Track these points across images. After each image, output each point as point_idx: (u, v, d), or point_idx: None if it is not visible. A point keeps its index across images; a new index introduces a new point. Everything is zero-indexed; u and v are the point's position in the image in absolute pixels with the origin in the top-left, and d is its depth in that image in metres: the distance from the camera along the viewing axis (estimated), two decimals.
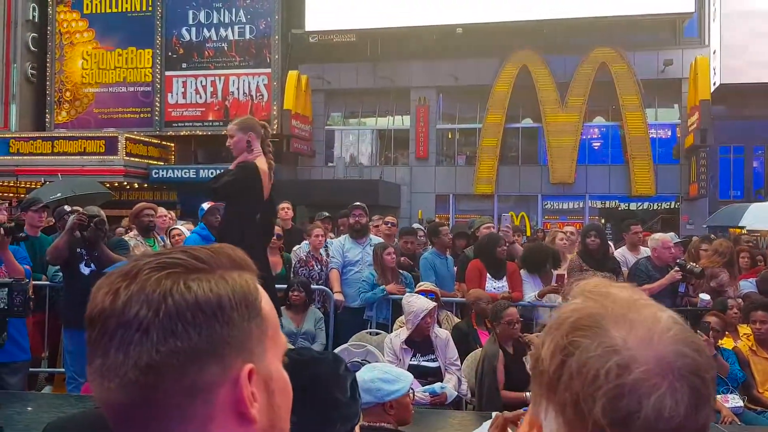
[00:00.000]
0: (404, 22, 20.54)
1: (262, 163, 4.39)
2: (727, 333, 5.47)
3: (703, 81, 18.46)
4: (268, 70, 21.36)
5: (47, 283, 6.60)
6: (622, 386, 0.69)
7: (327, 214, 9.36)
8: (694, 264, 6.03)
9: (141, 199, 12.72)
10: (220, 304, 0.76)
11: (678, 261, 6.08)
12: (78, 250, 5.78)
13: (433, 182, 21.21)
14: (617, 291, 0.79)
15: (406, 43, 21.09)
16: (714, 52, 19.53)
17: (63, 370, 6.02)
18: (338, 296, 7.00)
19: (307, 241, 7.57)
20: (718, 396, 4.65)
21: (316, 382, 2.01)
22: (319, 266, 7.34)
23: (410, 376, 3.34)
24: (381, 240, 7.53)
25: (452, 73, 20.65)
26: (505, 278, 6.76)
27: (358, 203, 7.61)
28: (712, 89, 18.83)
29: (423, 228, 10.07)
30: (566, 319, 0.76)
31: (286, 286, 6.53)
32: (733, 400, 4.66)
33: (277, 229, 7.20)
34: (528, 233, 16.14)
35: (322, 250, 7.49)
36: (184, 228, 7.93)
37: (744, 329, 5.59)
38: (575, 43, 20.12)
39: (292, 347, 4.95)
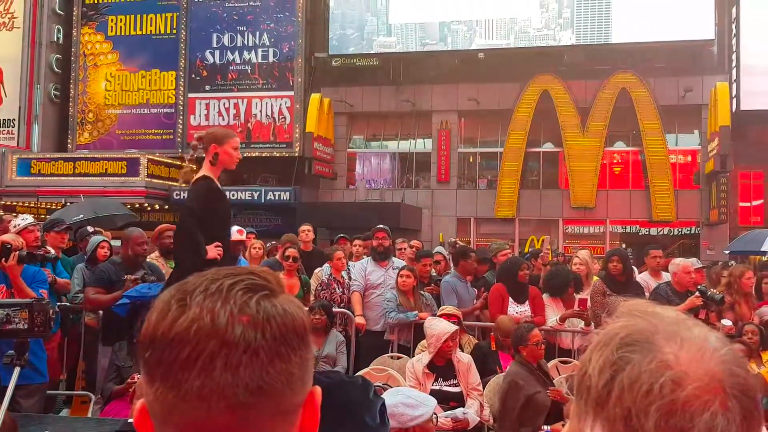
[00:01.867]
0: (426, 47, 20.83)
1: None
2: (750, 359, 5.48)
3: (722, 107, 18.43)
4: (291, 93, 21.63)
5: (67, 304, 6.59)
6: (675, 401, 0.69)
7: (342, 234, 9.47)
8: (715, 291, 6.03)
9: (162, 220, 12.90)
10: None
11: (699, 287, 6.09)
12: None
13: (454, 206, 21.26)
14: (664, 311, 0.79)
15: (427, 67, 21.30)
16: (734, 79, 19.51)
17: (81, 392, 6.05)
18: (360, 319, 7.03)
19: (328, 264, 7.64)
20: None
21: (348, 405, 2.07)
22: (340, 289, 7.40)
23: (433, 400, 3.37)
24: (404, 263, 7.59)
25: (474, 97, 20.79)
26: (527, 303, 6.79)
27: (381, 226, 7.68)
28: (733, 115, 18.79)
29: (445, 251, 10.13)
30: (615, 335, 0.76)
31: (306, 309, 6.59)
32: None
33: (294, 252, 7.30)
34: (550, 257, 16.10)
35: (344, 273, 7.55)
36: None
37: (767, 356, 5.59)
38: (596, 68, 20.19)
39: (319, 371, 5.02)
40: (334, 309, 6.89)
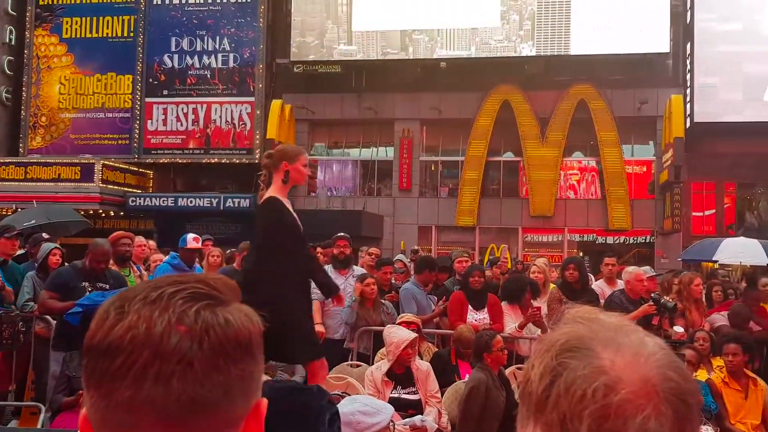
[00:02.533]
0: (388, 56, 20.92)
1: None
2: (702, 366, 5.58)
3: (677, 119, 18.87)
4: (252, 99, 21.48)
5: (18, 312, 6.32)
6: (608, 406, 0.69)
7: (310, 244, 9.38)
8: (668, 298, 6.14)
9: (117, 227, 12.64)
10: (250, 338, 0.78)
11: (652, 295, 6.20)
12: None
13: (416, 213, 21.32)
14: (606, 317, 0.80)
15: (390, 76, 21.35)
16: (688, 92, 20.00)
17: (31, 403, 5.88)
18: (319, 328, 6.95)
19: None
20: None
21: (299, 413, 2.04)
22: None
23: (390, 408, 3.37)
24: (364, 271, 7.57)
25: (436, 106, 20.92)
26: (486, 310, 6.82)
27: (342, 234, 7.64)
28: (686, 127, 19.25)
29: (406, 259, 10.14)
30: (556, 341, 0.77)
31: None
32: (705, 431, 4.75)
33: None
34: (509, 265, 16.28)
35: None
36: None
37: (717, 362, 5.69)
38: (555, 79, 20.49)
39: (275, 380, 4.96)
40: None
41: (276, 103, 20.73)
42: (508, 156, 21.63)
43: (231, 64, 21.67)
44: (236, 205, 19.73)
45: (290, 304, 4.27)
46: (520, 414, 0.78)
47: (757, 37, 19.38)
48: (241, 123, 21.46)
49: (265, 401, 0.80)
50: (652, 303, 6.05)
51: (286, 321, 3.99)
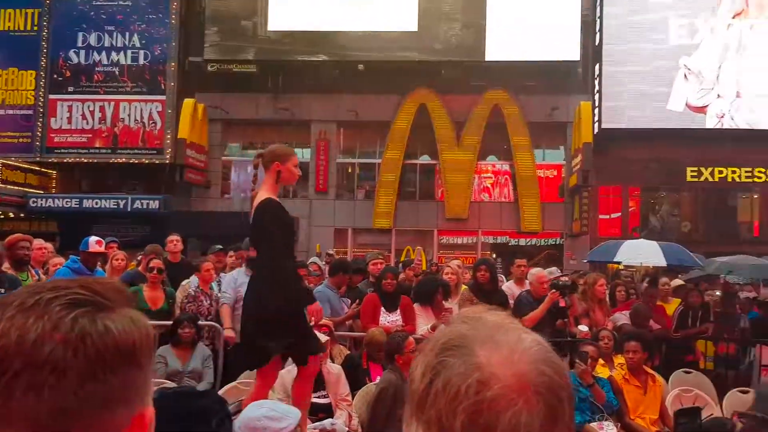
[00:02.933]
0: (306, 56, 20.74)
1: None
2: (603, 362, 5.74)
3: (585, 125, 19.57)
4: (163, 97, 20.86)
5: None
6: (481, 402, 0.70)
7: (220, 247, 9.15)
8: (565, 278, 6.31)
9: (17, 230, 11.99)
10: (133, 346, 0.74)
11: (552, 282, 6.36)
12: None
13: (332, 216, 21.22)
14: (489, 316, 0.81)
15: (307, 77, 21.18)
16: (596, 99, 20.77)
17: None
18: (229, 332, 6.80)
19: (196, 276, 7.36)
20: (594, 423, 4.85)
21: (196, 415, 1.95)
22: (208, 301, 7.15)
23: (298, 412, 3.30)
24: None
25: (353, 108, 20.90)
26: (398, 311, 6.82)
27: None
28: (594, 133, 19.98)
29: (320, 261, 10.04)
30: (438, 341, 0.78)
31: (171, 322, 6.34)
32: (607, 428, 4.87)
33: (158, 263, 7.00)
34: (424, 267, 16.43)
35: (214, 284, 7.30)
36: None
37: (618, 359, 5.87)
38: (471, 84, 20.84)
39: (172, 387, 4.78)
40: (200, 322, 6.65)
41: (188, 102, 20.21)
42: (425, 159, 21.85)
43: (141, 61, 20.99)
44: (145, 206, 19.11)
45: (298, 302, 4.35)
46: (405, 413, 0.79)
47: (663, 47, 20.32)
48: (151, 122, 20.81)
49: (151, 410, 0.77)
50: (553, 290, 6.22)
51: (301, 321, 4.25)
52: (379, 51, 20.57)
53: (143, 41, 21.00)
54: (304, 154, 21.90)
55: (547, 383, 0.72)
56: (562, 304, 6.25)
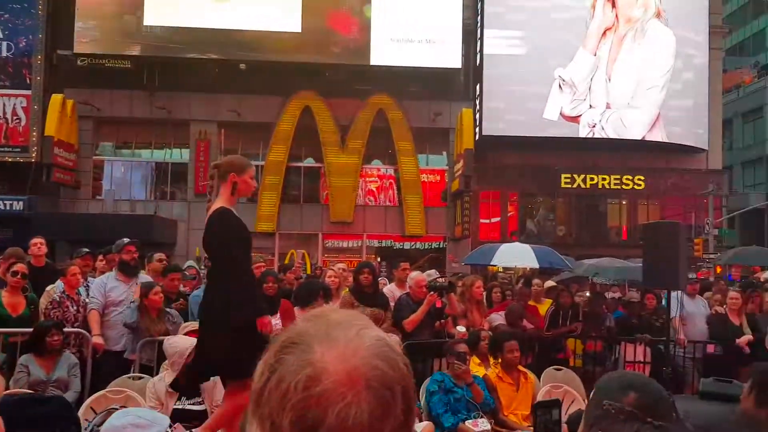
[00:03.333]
0: (184, 53, 20.07)
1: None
2: (479, 362, 5.86)
3: (467, 131, 20.13)
4: (28, 92, 19.67)
5: None
6: (309, 397, 0.70)
7: (87, 250, 8.63)
8: (440, 279, 6.42)
9: None
10: None
11: (428, 283, 6.45)
12: None
13: None
14: (333, 314, 0.80)
15: (185, 75, 20.52)
16: (477, 106, 21.44)
17: None
18: (97, 339, 6.44)
19: (62, 281, 6.90)
20: (469, 421, 4.93)
21: (41, 421, 1.79)
22: (75, 307, 6.72)
23: (165, 419, 3.17)
24: (149, 278, 7.11)
25: (235, 108, 20.46)
26: (278, 315, 6.69)
27: (128, 239, 7.13)
28: (476, 140, 20.59)
29: (197, 265, 9.73)
30: (279, 339, 0.78)
31: (31, 329, 5.91)
32: (482, 424, 4.98)
33: (22, 267, 6.55)
34: (308, 271, 16.30)
35: (81, 289, 6.88)
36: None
37: (492, 359, 6.01)
38: (356, 88, 20.92)
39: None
40: (67, 329, 6.24)
41: (56, 98, 19.07)
42: (309, 162, 21.72)
43: (4, 53, 19.70)
44: (8, 207, 17.88)
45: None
46: (248, 412, 0.78)
47: (539, 59, 21.24)
48: (15, 118, 19.52)
49: None
50: (431, 292, 6.32)
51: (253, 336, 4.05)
52: (261, 51, 20.23)
53: (6, 32, 19.69)
54: (182, 154, 21.24)
55: (379, 377, 0.72)
56: (438, 304, 6.35)
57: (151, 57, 20.11)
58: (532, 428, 4.57)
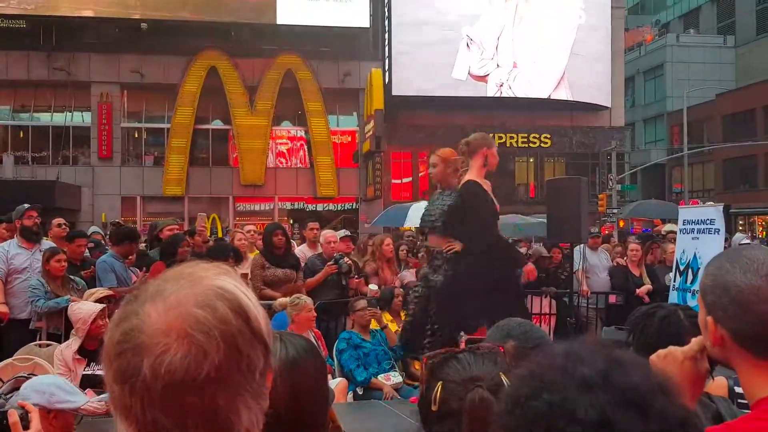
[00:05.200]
0: (82, 12, 19.15)
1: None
2: (392, 318, 6.08)
3: (377, 91, 20.21)
4: None
5: None
6: (127, 350, 0.74)
7: None
8: (346, 260, 6.57)
9: None
10: None
11: (335, 255, 6.58)
12: None
13: (118, 183, 20.06)
14: (190, 267, 0.83)
15: (84, 35, 19.63)
16: (387, 66, 21.51)
17: None
18: (1, 308, 6.29)
19: None
20: (381, 375, 5.15)
21: None
22: None
23: (86, 398, 3.22)
24: (53, 244, 6.93)
25: (137, 69, 19.78)
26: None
27: (29, 204, 6.91)
28: (386, 100, 20.70)
29: (103, 231, 9.52)
30: (126, 297, 0.81)
31: None
32: (394, 377, 5.20)
33: None
34: (220, 234, 16.15)
35: None
36: None
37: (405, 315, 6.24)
38: (263, 47, 20.57)
39: None
40: None
41: None
42: (217, 124, 21.34)
43: None
44: None
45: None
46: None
47: (447, 18, 21.41)
48: None
49: None
50: (333, 263, 6.45)
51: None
52: (163, 9, 19.53)
53: None
54: (84, 117, 20.43)
55: (194, 324, 0.75)
56: (351, 284, 6.53)
57: (47, 16, 19.08)
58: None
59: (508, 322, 1.84)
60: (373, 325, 5.54)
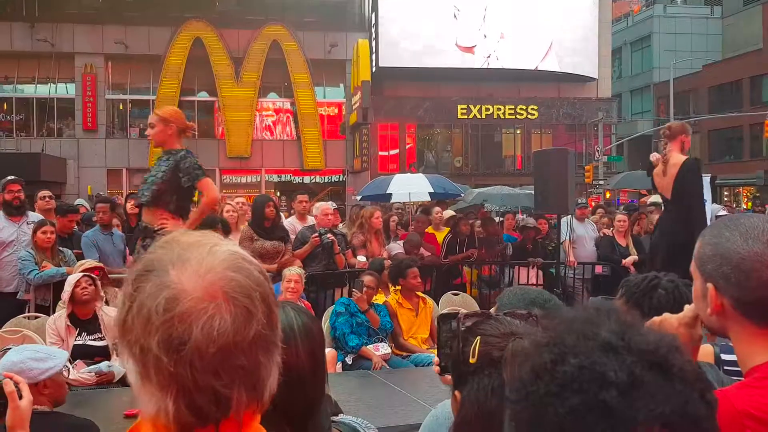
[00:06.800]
0: None
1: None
2: (380, 290, 6.10)
3: (363, 63, 20.07)
4: None
5: None
6: (171, 318, 0.74)
7: None
8: (329, 236, 6.58)
9: None
10: None
11: (320, 230, 6.58)
12: None
13: (103, 156, 19.89)
14: (184, 236, 0.83)
15: (68, 5, 19.31)
16: (374, 37, 21.31)
17: None
18: None
19: None
20: (370, 345, 5.19)
21: None
22: None
23: (64, 353, 3.21)
24: (41, 217, 6.89)
25: (121, 40, 19.51)
26: None
27: (12, 177, 6.85)
28: (372, 71, 20.57)
29: (87, 204, 9.47)
30: (135, 269, 0.80)
31: None
32: (383, 348, 5.23)
33: None
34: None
35: None
36: None
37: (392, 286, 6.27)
38: (248, 18, 20.33)
39: None
40: None
41: None
42: (203, 96, 21.14)
43: None
44: None
45: None
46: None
47: None
48: None
49: None
50: (317, 236, 6.46)
51: None
52: None
53: None
54: (68, 89, 20.18)
55: (235, 287, 0.77)
56: (337, 253, 6.54)
57: None
58: (436, 346, 4.89)
59: (526, 290, 1.83)
60: (377, 299, 5.57)
